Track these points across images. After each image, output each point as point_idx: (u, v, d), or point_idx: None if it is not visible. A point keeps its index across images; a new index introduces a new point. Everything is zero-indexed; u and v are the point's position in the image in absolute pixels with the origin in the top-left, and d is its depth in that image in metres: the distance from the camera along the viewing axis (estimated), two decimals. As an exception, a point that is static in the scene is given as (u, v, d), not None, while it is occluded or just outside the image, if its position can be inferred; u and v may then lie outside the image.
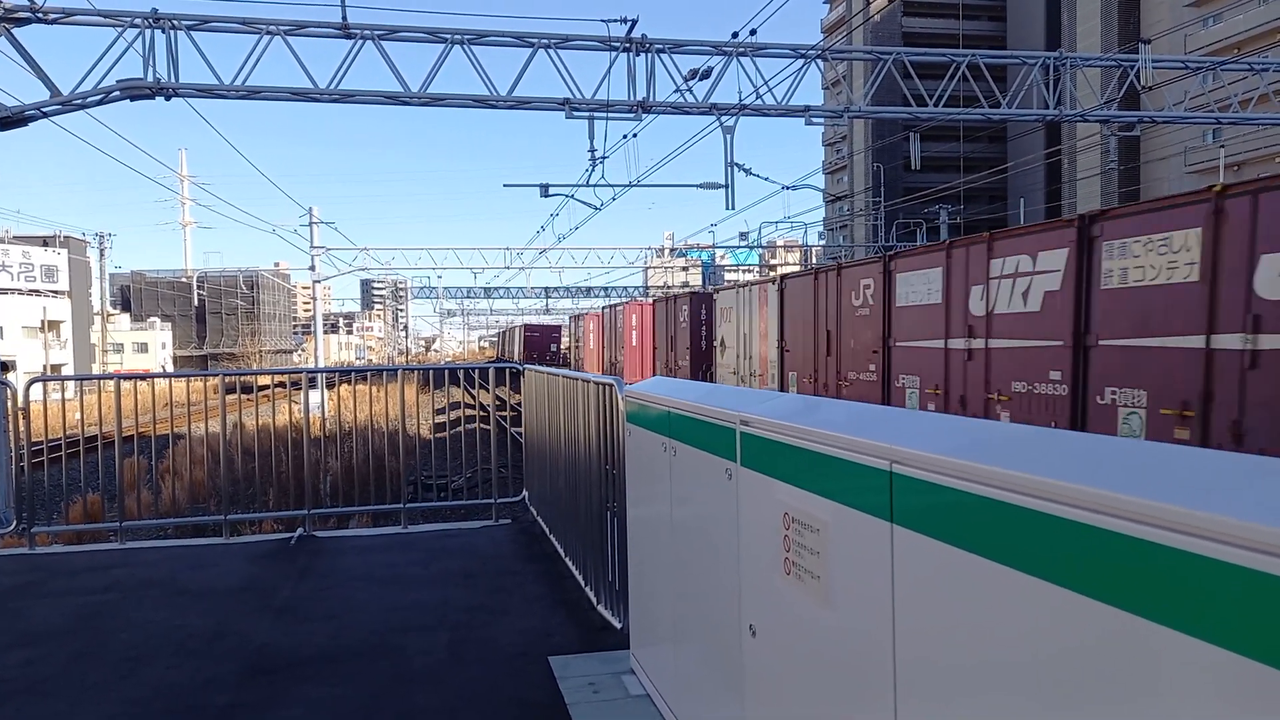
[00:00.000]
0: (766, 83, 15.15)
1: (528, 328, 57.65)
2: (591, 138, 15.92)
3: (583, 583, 5.38)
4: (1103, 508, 1.23)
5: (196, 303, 76.95)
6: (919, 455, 1.65)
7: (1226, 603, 1.05)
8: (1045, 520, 1.32)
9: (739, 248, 47.66)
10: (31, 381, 7.26)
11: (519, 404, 8.32)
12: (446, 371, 10.25)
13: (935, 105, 16.20)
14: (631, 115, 14.97)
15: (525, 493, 8.01)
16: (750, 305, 15.52)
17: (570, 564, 5.82)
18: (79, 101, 13.27)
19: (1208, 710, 1.07)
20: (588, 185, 19.16)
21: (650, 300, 27.88)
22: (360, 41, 13.94)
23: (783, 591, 2.30)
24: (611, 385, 4.53)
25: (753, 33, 14.71)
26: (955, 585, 1.55)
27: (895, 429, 1.87)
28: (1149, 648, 1.14)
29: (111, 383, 7.40)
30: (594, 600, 5.05)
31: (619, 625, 4.53)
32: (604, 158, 16.75)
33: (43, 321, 48.70)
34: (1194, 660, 1.08)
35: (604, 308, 35.41)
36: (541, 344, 54.41)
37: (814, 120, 15.88)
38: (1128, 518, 1.19)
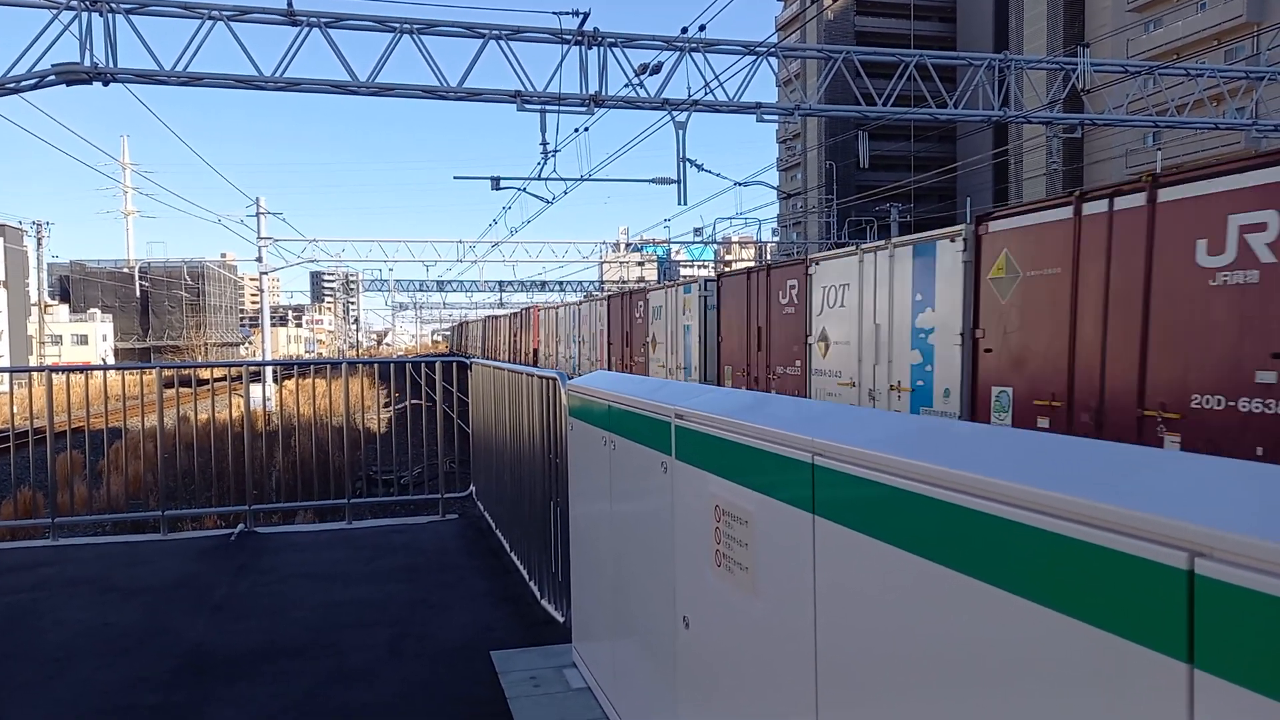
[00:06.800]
0: (718, 77, 15.20)
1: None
2: (544, 131, 15.84)
3: (527, 577, 5.36)
4: (1007, 499, 1.25)
5: (139, 294, 74.83)
6: (837, 447, 1.68)
7: (1123, 591, 1.06)
8: (952, 510, 1.34)
9: (694, 243, 47.67)
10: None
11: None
12: (392, 365, 10.09)
13: (885, 104, 16.38)
14: (584, 109, 14.90)
15: (472, 487, 7.96)
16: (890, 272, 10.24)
17: (515, 558, 5.79)
18: (11, 85, 12.82)
19: (1107, 693, 1.10)
20: (539, 179, 19.07)
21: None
22: (306, 29, 13.66)
23: (714, 583, 2.32)
24: (555, 379, 4.52)
25: (701, 29, 14.74)
26: (870, 575, 1.57)
27: (819, 423, 1.90)
28: (1056, 637, 1.16)
29: (51, 376, 7.18)
30: (537, 594, 5.04)
31: (562, 619, 4.52)
32: (556, 151, 16.69)
33: (-24, 313, 47.06)
34: (1093, 647, 1.10)
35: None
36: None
37: (765, 117, 15.97)
38: (1030, 508, 1.21)
